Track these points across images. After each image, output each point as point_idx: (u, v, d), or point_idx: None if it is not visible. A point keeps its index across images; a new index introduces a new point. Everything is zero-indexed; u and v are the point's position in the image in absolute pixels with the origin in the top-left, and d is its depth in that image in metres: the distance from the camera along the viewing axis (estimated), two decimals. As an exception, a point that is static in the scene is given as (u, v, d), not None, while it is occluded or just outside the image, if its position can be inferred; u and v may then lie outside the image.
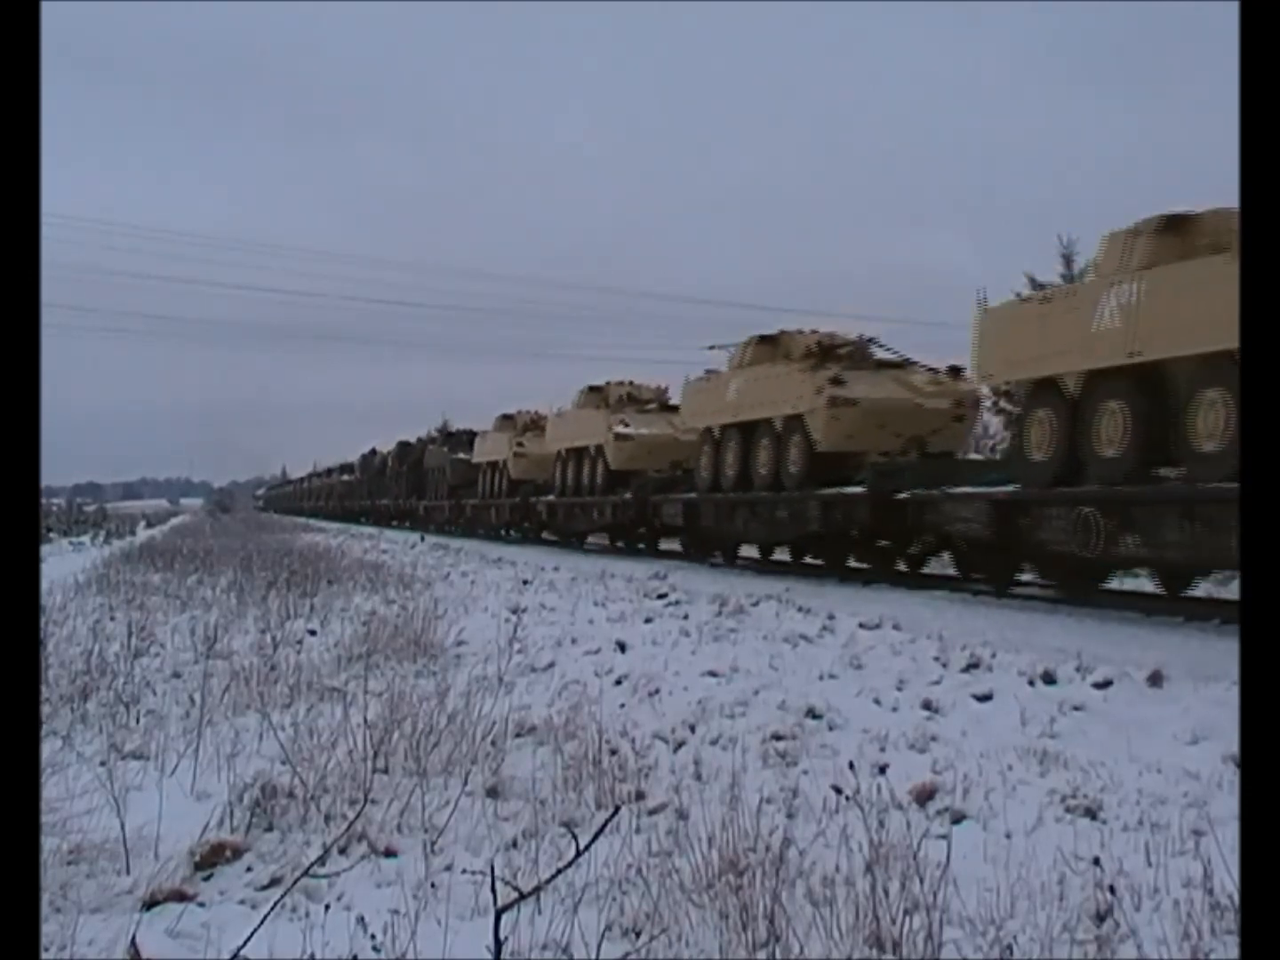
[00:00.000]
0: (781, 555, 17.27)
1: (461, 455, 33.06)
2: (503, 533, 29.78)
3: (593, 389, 23.38)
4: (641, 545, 21.95)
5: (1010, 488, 11.49)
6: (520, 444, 27.36)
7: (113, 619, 9.54)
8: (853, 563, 15.08)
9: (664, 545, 21.32)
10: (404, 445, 42.66)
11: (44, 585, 10.64)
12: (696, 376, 18.61)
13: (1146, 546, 9.82)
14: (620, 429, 20.97)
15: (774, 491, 15.58)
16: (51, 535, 28.89)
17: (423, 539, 27.49)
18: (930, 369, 15.26)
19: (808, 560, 16.39)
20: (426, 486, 37.53)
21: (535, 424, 27.33)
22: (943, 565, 14.43)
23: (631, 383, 23.22)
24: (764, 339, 16.78)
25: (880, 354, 15.74)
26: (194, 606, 10.78)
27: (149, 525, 43.80)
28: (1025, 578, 12.57)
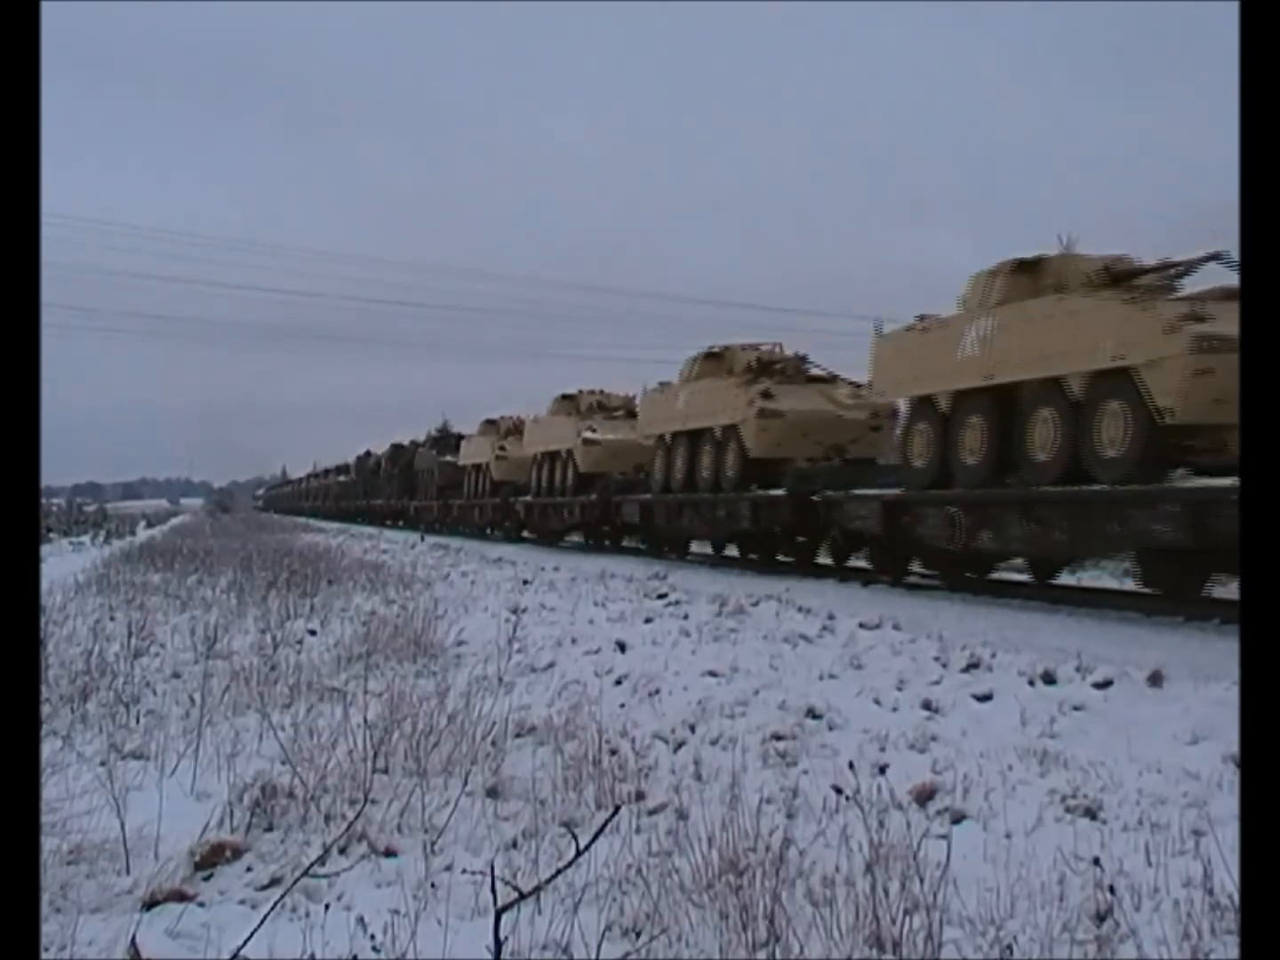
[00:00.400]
0: (731, 551, 18.57)
1: (449, 458, 34.58)
2: (487, 531, 30.82)
3: (565, 397, 25.04)
4: (607, 542, 23.25)
5: (897, 490, 13.15)
6: (502, 448, 28.79)
7: (113, 619, 9.54)
8: (781, 557, 16.69)
9: (627, 542, 22.78)
10: (396, 448, 44.31)
11: (44, 585, 10.64)
12: (652, 388, 20.17)
13: (997, 540, 11.52)
14: (588, 434, 22.54)
15: (714, 493, 17.22)
16: (51, 535, 28.89)
17: (422, 539, 27.69)
18: (854, 384, 16.69)
19: (752, 555, 17.67)
20: (417, 487, 39.05)
21: (516, 429, 28.66)
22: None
23: (602, 391, 24.89)
24: (710, 355, 18.40)
25: (814, 370, 17.45)
26: (194, 606, 10.78)
27: (149, 525, 43.78)
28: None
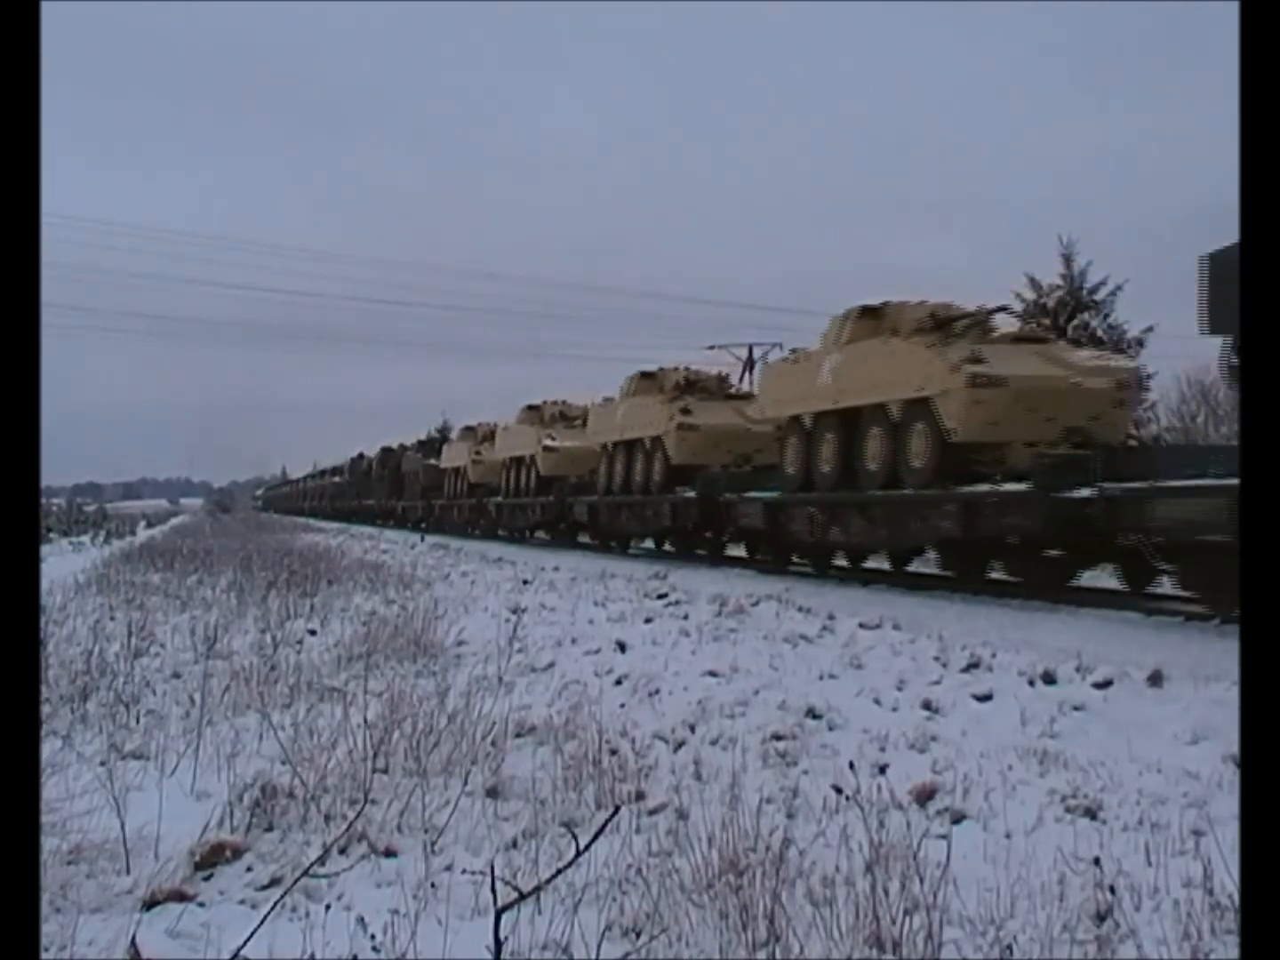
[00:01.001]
0: (667, 546, 20.82)
1: (432, 461, 36.74)
2: (468, 530, 32.18)
3: (530, 407, 27.44)
4: (566, 539, 25.26)
5: (775, 494, 15.57)
6: (478, 452, 31.02)
7: (113, 619, 9.53)
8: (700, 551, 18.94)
9: (581, 539, 24.76)
10: (386, 451, 46.47)
11: (44, 585, 10.64)
12: (597, 403, 22.66)
13: (844, 535, 14.13)
14: (547, 442, 24.97)
15: (644, 495, 19.68)
16: (51, 535, 28.89)
17: (422, 539, 27.89)
18: None
19: (672, 549, 19.98)
20: (405, 489, 41.15)
21: (491, 435, 30.68)
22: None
23: (564, 402, 27.01)
24: (645, 375, 20.88)
25: (733, 389, 20.10)
26: (194, 606, 10.78)
27: (149, 525, 43.82)
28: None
